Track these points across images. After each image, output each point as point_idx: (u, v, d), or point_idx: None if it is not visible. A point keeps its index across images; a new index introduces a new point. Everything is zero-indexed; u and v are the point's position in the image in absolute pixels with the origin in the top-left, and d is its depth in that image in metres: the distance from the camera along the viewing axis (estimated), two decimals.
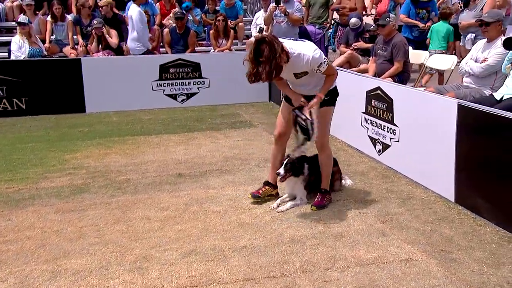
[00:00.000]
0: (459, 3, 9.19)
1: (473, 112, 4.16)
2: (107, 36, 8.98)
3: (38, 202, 4.59)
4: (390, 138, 5.31)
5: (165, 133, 6.91)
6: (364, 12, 10.63)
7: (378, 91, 5.50)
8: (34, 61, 8.34)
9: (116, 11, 10.04)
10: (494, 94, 5.06)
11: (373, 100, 5.61)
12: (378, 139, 5.53)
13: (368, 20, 10.48)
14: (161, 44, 9.87)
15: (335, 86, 4.24)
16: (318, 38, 9.61)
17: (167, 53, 9.41)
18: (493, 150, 3.95)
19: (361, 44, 8.35)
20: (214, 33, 9.67)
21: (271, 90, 8.82)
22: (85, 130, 7.15)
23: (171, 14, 9.93)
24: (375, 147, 5.61)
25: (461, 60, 6.04)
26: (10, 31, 10.22)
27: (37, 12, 9.83)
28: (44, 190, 4.86)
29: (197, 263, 3.46)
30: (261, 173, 5.19)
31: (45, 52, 8.98)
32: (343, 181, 4.82)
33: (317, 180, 4.44)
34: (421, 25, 8.56)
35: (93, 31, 9.00)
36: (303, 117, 3.99)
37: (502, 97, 4.89)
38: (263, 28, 9.70)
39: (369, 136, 5.71)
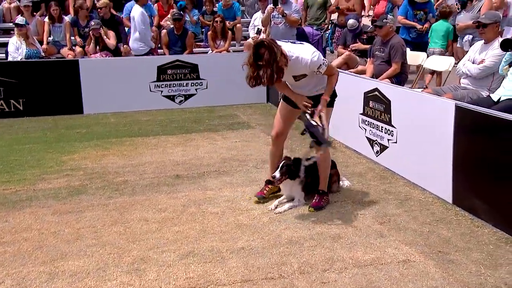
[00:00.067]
0: (456, 4, 9.21)
1: (470, 113, 4.17)
2: (104, 37, 8.97)
3: (35, 203, 4.58)
4: (388, 139, 5.32)
5: (163, 135, 6.90)
6: (362, 13, 10.65)
7: (376, 92, 5.50)
8: (32, 62, 8.34)
9: (114, 12, 10.03)
10: (491, 95, 5.07)
11: (370, 102, 5.62)
12: (376, 140, 5.54)
13: (366, 21, 10.49)
14: (159, 45, 9.87)
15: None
16: (316, 39, 9.61)
17: (165, 54, 9.40)
18: (491, 151, 3.96)
19: (358, 45, 8.36)
20: (212, 34, 9.67)
21: (268, 92, 8.82)
22: (83, 132, 7.14)
23: (169, 15, 9.92)
24: (372, 148, 5.61)
25: (458, 62, 6.05)
26: (8, 32, 10.21)
27: (35, 13, 9.81)
28: (42, 192, 4.85)
29: (195, 265, 3.46)
30: (259, 174, 5.19)
31: (43, 53, 8.97)
32: (341, 182, 4.82)
33: (315, 182, 4.44)
34: (418, 26, 8.57)
35: (90, 32, 8.99)
36: (313, 123, 3.97)
37: (500, 98, 4.90)
38: (261, 29, 9.71)
39: (366, 137, 5.71)
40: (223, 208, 4.42)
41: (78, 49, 9.28)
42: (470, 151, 4.18)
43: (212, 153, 6.02)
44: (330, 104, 4.24)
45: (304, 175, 4.37)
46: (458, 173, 4.30)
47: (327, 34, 11.14)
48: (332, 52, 11.30)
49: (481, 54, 5.42)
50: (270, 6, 8.82)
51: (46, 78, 8.02)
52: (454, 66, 6.59)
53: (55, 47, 9.44)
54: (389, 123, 5.28)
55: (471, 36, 8.22)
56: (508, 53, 5.01)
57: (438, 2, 10.37)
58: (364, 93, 5.72)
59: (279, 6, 8.61)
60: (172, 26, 9.51)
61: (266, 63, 3.67)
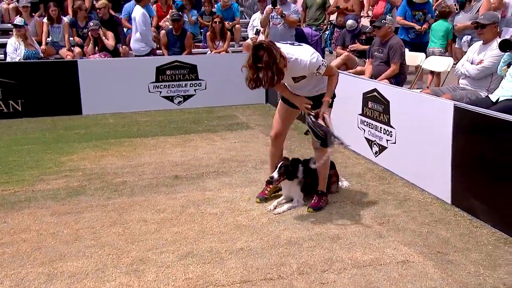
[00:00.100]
0: (455, 5, 9.22)
1: (469, 114, 4.17)
2: (103, 38, 8.97)
3: (34, 204, 4.57)
4: (387, 140, 5.32)
5: (162, 135, 6.90)
6: (361, 14, 10.66)
7: (375, 93, 5.51)
8: (30, 63, 8.33)
9: (113, 13, 10.03)
10: (490, 96, 5.08)
11: (369, 102, 5.62)
12: (375, 140, 5.54)
13: (365, 22, 10.50)
14: (158, 46, 9.86)
15: None
16: (314, 40, 9.62)
17: (163, 55, 9.40)
18: (489, 152, 3.96)
19: (357, 46, 8.37)
20: (210, 35, 9.67)
21: (267, 92, 8.82)
22: (82, 132, 7.13)
23: (167, 16, 9.93)
24: (371, 148, 5.62)
25: (457, 62, 6.06)
26: (6, 33, 10.20)
27: (33, 14, 9.80)
28: (40, 193, 4.85)
29: (194, 266, 3.46)
30: (258, 175, 5.19)
31: (41, 54, 8.96)
32: (339, 182, 4.82)
33: (314, 182, 4.44)
34: (417, 27, 8.58)
35: (89, 33, 8.99)
36: (319, 124, 3.98)
37: (498, 99, 4.90)
38: (259, 30, 9.71)
39: (365, 138, 5.71)
40: (222, 208, 4.42)
41: (77, 49, 9.28)
42: (468, 152, 4.18)
43: (211, 153, 6.02)
44: (329, 105, 4.24)
45: (302, 176, 4.37)
46: (457, 174, 4.30)
47: (326, 35, 11.14)
48: (331, 52, 11.30)
49: (479, 55, 5.43)
50: (269, 6, 8.82)
51: (44, 79, 8.01)
52: (452, 66, 6.59)
53: (54, 47, 9.44)
54: (388, 123, 5.28)
55: (469, 37, 8.23)
56: (506, 53, 5.02)
57: (438, 2, 10.39)
58: (363, 93, 5.72)
59: (278, 6, 8.62)
60: (171, 26, 9.51)
61: (265, 65, 3.67)
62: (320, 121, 3.99)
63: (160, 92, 8.53)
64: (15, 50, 8.61)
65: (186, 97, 8.68)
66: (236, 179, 5.15)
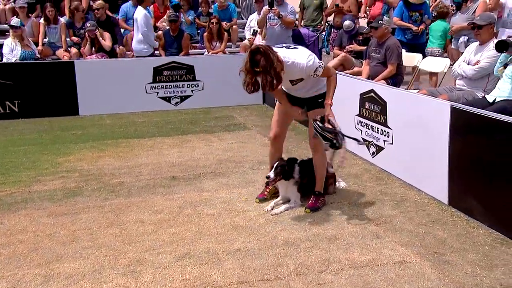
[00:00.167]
0: (451, 6, 9.24)
1: (466, 115, 4.18)
2: (100, 38, 8.96)
3: (30, 205, 4.56)
4: (384, 141, 5.33)
5: (159, 136, 6.89)
6: (358, 15, 10.67)
7: (372, 94, 5.51)
8: (27, 63, 8.31)
9: (110, 14, 10.01)
10: (486, 96, 5.09)
11: (366, 103, 5.63)
12: (372, 141, 5.54)
13: (362, 22, 10.51)
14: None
15: None
16: (312, 40, 9.62)
17: (160, 55, 9.40)
18: (486, 152, 3.97)
19: (354, 46, 8.37)
20: (208, 36, 9.67)
21: (265, 93, 8.81)
22: (78, 133, 7.12)
23: (165, 17, 9.92)
24: (368, 149, 5.62)
25: (453, 63, 6.06)
26: (3, 33, 10.16)
27: (30, 15, 9.77)
28: (37, 194, 4.83)
29: (191, 267, 3.45)
30: (255, 176, 5.19)
31: (38, 55, 8.94)
32: (337, 183, 4.83)
33: (311, 183, 4.44)
34: (414, 27, 8.59)
35: (86, 33, 8.97)
36: (327, 129, 4.00)
37: (495, 99, 4.91)
38: (256, 31, 9.71)
39: (363, 139, 5.72)
40: (219, 209, 4.41)
41: (73, 50, 9.26)
42: (465, 152, 4.19)
43: (208, 154, 6.01)
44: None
45: (299, 176, 4.38)
46: (453, 174, 4.31)
47: (323, 36, 11.15)
48: (328, 53, 11.31)
49: (476, 56, 5.44)
50: (266, 7, 8.82)
51: (41, 80, 8.00)
52: (449, 67, 6.60)
53: (51, 48, 9.41)
54: (385, 124, 5.28)
55: (466, 38, 8.23)
56: (503, 54, 5.03)
57: (436, 2, 10.41)
58: (360, 94, 5.73)
59: (275, 7, 8.62)
60: (168, 27, 9.50)
61: (263, 69, 3.70)
62: (327, 125, 4.02)
63: (157, 92, 8.52)
64: (11, 51, 8.59)
65: (183, 98, 8.67)
66: (233, 179, 5.15)
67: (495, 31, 5.99)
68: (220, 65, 8.67)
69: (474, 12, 8.05)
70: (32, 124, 7.65)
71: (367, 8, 10.72)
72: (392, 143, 5.20)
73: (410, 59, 7.29)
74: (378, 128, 5.41)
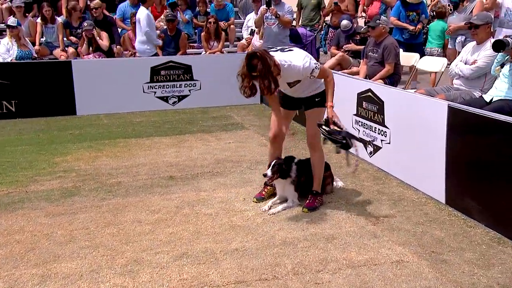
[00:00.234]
0: (448, 5, 9.26)
1: (463, 114, 4.19)
2: (97, 38, 8.94)
3: (27, 205, 4.55)
4: (381, 140, 5.33)
5: (156, 136, 6.88)
6: (355, 14, 10.69)
7: (369, 93, 5.52)
8: (24, 63, 8.29)
9: (107, 13, 10.00)
10: (483, 96, 5.10)
11: (364, 102, 5.63)
12: (370, 140, 5.55)
13: (360, 22, 10.52)
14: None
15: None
16: (309, 40, 9.64)
17: (158, 55, 9.39)
18: (483, 152, 3.98)
19: (352, 46, 8.39)
20: (205, 35, 9.67)
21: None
22: (76, 133, 7.11)
23: (162, 16, 9.91)
24: (366, 149, 5.62)
25: (450, 63, 6.07)
26: (0, 33, 10.14)
27: (27, 14, 9.76)
28: (34, 194, 4.82)
29: (189, 266, 3.45)
30: (253, 175, 5.19)
31: (35, 54, 8.92)
32: (334, 183, 4.83)
33: (309, 182, 4.44)
34: (410, 27, 8.61)
35: (83, 33, 8.96)
36: (334, 131, 4.03)
37: (492, 99, 4.92)
38: (254, 30, 9.72)
39: (360, 138, 5.72)
40: (216, 209, 4.41)
41: (70, 50, 9.25)
42: (462, 152, 4.20)
43: (205, 154, 6.01)
44: (323, 104, 4.26)
45: (296, 175, 4.38)
46: (451, 174, 4.32)
47: (321, 35, 11.16)
48: (325, 53, 11.32)
49: (473, 55, 5.45)
50: (263, 7, 8.82)
51: (38, 79, 7.98)
52: (446, 67, 6.62)
53: (48, 48, 9.40)
54: (382, 123, 5.29)
55: (463, 37, 8.26)
56: (500, 54, 5.04)
57: (434, 2, 10.43)
58: (358, 94, 5.73)
59: (272, 7, 8.62)
60: (165, 27, 9.49)
61: (260, 74, 3.73)
62: (332, 127, 4.05)
63: (155, 92, 8.51)
64: (8, 50, 8.56)
65: (180, 98, 8.66)
66: (231, 179, 5.15)
67: (492, 30, 5.99)
68: (217, 64, 8.66)
69: (471, 11, 8.07)
70: (29, 124, 7.63)
71: (365, 7, 10.73)
72: (389, 143, 5.20)
73: (407, 58, 7.30)
74: (375, 128, 5.42)
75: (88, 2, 10.02)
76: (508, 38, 4.76)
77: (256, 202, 4.51)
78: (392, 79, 6.63)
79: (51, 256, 3.61)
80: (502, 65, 5.02)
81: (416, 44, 8.75)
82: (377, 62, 6.70)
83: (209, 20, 9.60)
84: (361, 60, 7.30)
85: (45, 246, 3.77)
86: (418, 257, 3.53)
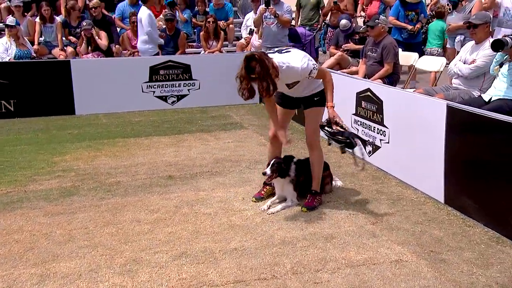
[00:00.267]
0: (447, 5, 9.27)
1: (462, 113, 4.19)
2: (96, 37, 8.94)
3: (26, 205, 4.55)
4: (380, 140, 5.33)
5: (155, 135, 6.88)
6: (355, 14, 10.69)
7: (368, 93, 5.52)
8: (23, 62, 8.29)
9: (106, 13, 9.99)
10: (482, 95, 5.10)
11: (363, 102, 5.63)
12: (368, 140, 5.55)
13: (359, 21, 10.53)
14: None
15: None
16: (308, 39, 9.64)
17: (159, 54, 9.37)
18: (482, 151, 3.98)
19: (351, 45, 8.39)
20: (204, 35, 9.66)
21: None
22: (75, 132, 7.10)
23: (161, 16, 9.91)
24: (365, 148, 5.62)
25: (449, 62, 6.07)
26: None
27: (26, 14, 9.75)
28: (33, 193, 4.82)
29: (188, 266, 3.45)
30: (252, 175, 5.19)
31: (34, 54, 8.92)
32: (333, 182, 4.83)
33: (308, 182, 4.44)
34: (409, 27, 8.61)
35: (82, 32, 8.95)
36: (337, 132, 4.04)
37: (491, 98, 4.92)
38: (253, 30, 9.72)
39: (360, 138, 5.71)
40: (215, 208, 4.41)
41: (69, 49, 9.24)
42: (461, 151, 4.20)
43: (204, 153, 6.01)
44: (322, 103, 4.27)
45: (294, 174, 4.38)
46: (450, 173, 4.32)
47: (320, 35, 11.16)
48: (324, 52, 11.32)
49: (472, 55, 5.45)
50: (262, 6, 8.82)
51: (37, 79, 7.97)
52: (445, 66, 6.62)
53: (47, 47, 9.39)
54: (381, 123, 5.29)
55: (463, 37, 8.26)
56: (498, 53, 5.04)
57: (433, 1, 10.43)
58: (357, 93, 5.73)
59: (271, 6, 8.62)
60: (164, 26, 9.48)
61: (259, 76, 3.74)
62: (335, 127, 4.06)
63: (154, 92, 8.51)
64: (6, 50, 8.55)
65: (179, 97, 8.66)
66: (230, 179, 5.15)
67: (490, 30, 6.00)
68: (216, 64, 8.66)
69: (470, 11, 8.07)
70: (28, 124, 7.62)
71: (364, 7, 10.74)
72: (388, 142, 5.21)
73: (406, 58, 7.30)
74: (374, 127, 5.42)
75: (87, 2, 10.01)
76: (507, 38, 4.76)
77: (255, 202, 4.51)
78: (391, 79, 6.63)
79: (50, 256, 3.61)
80: (501, 65, 5.03)
81: (415, 44, 8.75)
82: (376, 62, 6.70)
83: (208, 20, 9.59)
84: (360, 60, 7.30)
85: (44, 246, 3.77)
86: (417, 257, 3.54)
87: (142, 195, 4.75)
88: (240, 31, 10.80)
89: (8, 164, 5.70)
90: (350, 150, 4.15)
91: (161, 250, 3.67)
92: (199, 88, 8.71)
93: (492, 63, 5.16)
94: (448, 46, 8.84)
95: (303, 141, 4.94)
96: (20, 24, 8.98)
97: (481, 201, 4.00)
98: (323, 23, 10.85)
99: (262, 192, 4.60)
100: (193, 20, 10.71)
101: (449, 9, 9.01)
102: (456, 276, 3.29)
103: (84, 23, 8.90)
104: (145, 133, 7.01)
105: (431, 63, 7.03)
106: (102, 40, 9.01)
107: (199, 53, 9.81)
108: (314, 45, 9.95)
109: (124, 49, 9.57)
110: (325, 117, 4.24)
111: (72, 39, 9.38)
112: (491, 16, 6.34)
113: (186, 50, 9.70)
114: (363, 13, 10.92)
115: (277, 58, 3.95)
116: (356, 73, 7.19)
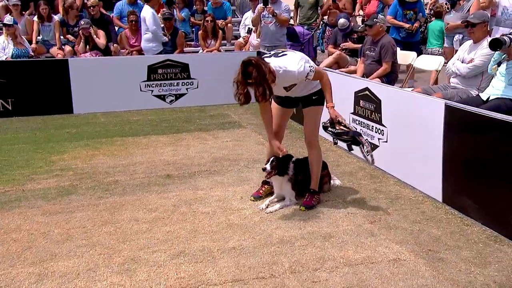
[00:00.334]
0: (446, 4, 9.28)
1: (460, 113, 4.20)
2: (94, 36, 8.93)
3: (24, 204, 4.54)
4: (378, 139, 5.34)
5: (154, 134, 6.87)
6: (353, 13, 10.70)
7: (366, 92, 5.52)
8: (21, 61, 8.27)
9: (104, 12, 9.98)
10: (480, 94, 5.11)
11: (361, 101, 5.64)
12: (367, 139, 5.54)
13: (357, 20, 10.54)
14: None
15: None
16: (306, 38, 9.63)
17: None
18: (480, 150, 3.99)
19: (349, 44, 8.39)
20: (202, 34, 9.66)
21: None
22: (73, 131, 7.09)
23: (159, 15, 9.90)
24: (363, 147, 5.62)
25: (447, 61, 6.08)
26: None
27: (24, 12, 9.74)
28: (31, 192, 4.81)
29: (186, 265, 3.45)
30: (250, 174, 5.18)
31: (32, 53, 8.91)
32: (331, 181, 4.83)
33: (306, 181, 4.44)
34: (406, 25, 8.62)
35: (80, 31, 8.94)
36: (341, 132, 4.08)
37: (489, 97, 4.93)
38: (251, 29, 9.71)
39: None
40: (214, 207, 4.41)
41: (67, 48, 9.23)
42: (459, 150, 4.20)
43: (203, 152, 6.01)
44: (321, 102, 4.28)
45: (293, 173, 4.38)
46: (448, 172, 4.33)
47: (318, 34, 11.16)
48: (322, 51, 11.33)
49: (470, 54, 5.46)
50: (260, 5, 8.81)
51: (35, 78, 7.95)
52: (444, 65, 6.62)
53: (44, 46, 9.38)
54: (379, 122, 5.29)
55: (461, 36, 8.27)
56: (497, 52, 5.05)
57: (432, 1, 10.44)
58: (355, 92, 5.74)
59: (269, 5, 8.62)
60: (162, 25, 9.47)
61: (255, 81, 3.75)
62: (338, 126, 4.09)
63: (152, 91, 8.50)
64: (3, 49, 8.55)
65: (178, 96, 8.65)
66: (228, 178, 5.15)
67: (488, 29, 6.00)
68: (215, 63, 8.65)
69: (468, 10, 8.08)
70: (26, 123, 7.61)
71: (362, 6, 10.74)
72: (386, 141, 5.21)
73: (404, 57, 7.30)
74: (372, 126, 5.42)
75: (85, 0, 10.00)
76: (505, 37, 4.76)
77: (253, 201, 4.51)
78: (389, 78, 6.63)
79: (48, 255, 3.61)
80: (499, 64, 5.03)
81: (413, 43, 8.76)
82: (374, 61, 6.70)
83: (206, 19, 9.58)
84: (359, 59, 7.30)
85: (42, 245, 3.76)
86: (415, 256, 3.54)
87: (140, 194, 4.74)
88: (239, 30, 10.79)
89: (6, 163, 5.69)
90: (358, 146, 4.17)
91: (159, 249, 3.67)
92: (197, 87, 8.70)
93: (490, 62, 5.16)
94: (446, 45, 8.85)
95: (302, 140, 4.94)
96: (18, 23, 8.98)
97: (479, 200, 4.00)
98: (322, 22, 10.86)
99: (261, 191, 4.60)
100: (191, 19, 10.70)
101: (447, 8, 9.02)
102: (454, 275, 3.29)
103: (82, 22, 8.89)
104: (143, 132, 7.01)
105: (429, 62, 7.03)
106: (100, 39, 9.00)
107: (197, 52, 9.81)
108: (312, 44, 9.96)
109: (122, 48, 9.55)
110: (326, 117, 4.24)
111: (70, 38, 9.38)
112: (489, 15, 6.34)
113: (184, 49, 9.69)
114: (361, 12, 10.93)
115: (273, 63, 3.95)
116: (354, 72, 7.19)
